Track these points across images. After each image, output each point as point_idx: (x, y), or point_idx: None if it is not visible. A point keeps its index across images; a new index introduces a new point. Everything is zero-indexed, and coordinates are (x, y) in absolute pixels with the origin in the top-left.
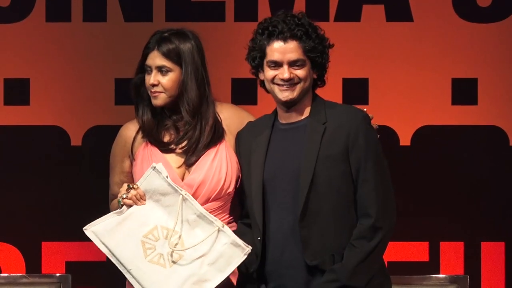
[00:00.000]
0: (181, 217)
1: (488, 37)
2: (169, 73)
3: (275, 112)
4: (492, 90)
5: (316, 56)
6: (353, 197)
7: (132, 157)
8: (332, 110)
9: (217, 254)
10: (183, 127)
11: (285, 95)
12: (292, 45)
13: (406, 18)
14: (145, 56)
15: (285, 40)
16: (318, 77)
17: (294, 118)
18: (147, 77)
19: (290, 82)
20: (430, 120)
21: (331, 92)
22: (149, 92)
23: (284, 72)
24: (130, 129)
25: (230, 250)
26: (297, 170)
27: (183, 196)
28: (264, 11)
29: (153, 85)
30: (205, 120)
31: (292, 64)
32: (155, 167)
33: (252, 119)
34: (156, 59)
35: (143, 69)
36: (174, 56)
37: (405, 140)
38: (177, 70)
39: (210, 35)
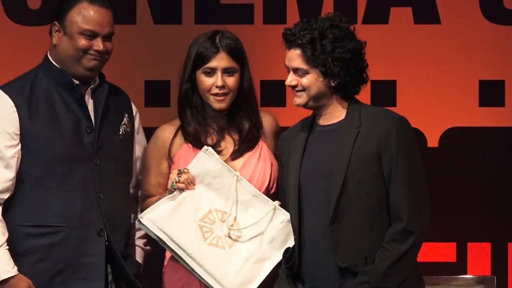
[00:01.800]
0: (236, 197)
1: None
2: (235, 74)
3: (313, 114)
4: None
5: (318, 65)
6: (385, 200)
7: (170, 159)
8: (367, 113)
9: (274, 232)
10: (227, 129)
11: (294, 100)
12: (293, 53)
13: (433, 20)
14: (205, 59)
15: (289, 47)
16: (346, 84)
17: (329, 120)
18: (207, 79)
19: (296, 89)
20: (458, 122)
21: (360, 93)
22: (207, 95)
23: (288, 78)
24: (168, 131)
25: (287, 228)
26: (330, 172)
27: (237, 176)
28: (292, 13)
29: (221, 87)
30: (251, 122)
31: (295, 71)
32: (207, 150)
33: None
34: (223, 60)
35: (193, 74)
36: (239, 57)
37: (433, 141)
38: (239, 70)
39: (239, 37)
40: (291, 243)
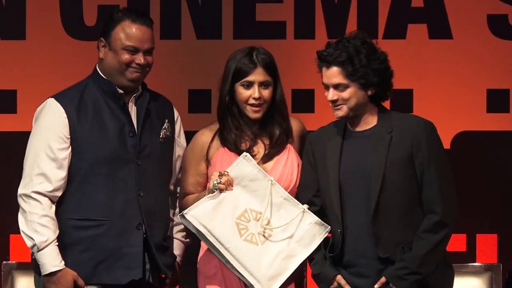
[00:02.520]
0: (270, 200)
1: None
2: (270, 86)
3: (345, 120)
4: None
5: (358, 78)
6: (418, 197)
7: (207, 161)
8: (397, 120)
9: (302, 232)
10: (259, 135)
11: (336, 113)
12: (333, 70)
13: (446, 36)
14: (243, 73)
15: (328, 66)
16: (377, 93)
17: (362, 127)
18: (245, 91)
19: (336, 103)
20: (468, 126)
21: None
22: (245, 106)
23: (330, 94)
24: (206, 136)
25: (314, 229)
26: (369, 174)
27: (271, 181)
28: (320, 29)
29: (258, 98)
30: (281, 129)
31: (335, 87)
32: (246, 156)
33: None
34: (260, 75)
35: (232, 86)
36: (273, 72)
37: (445, 144)
38: (272, 83)
39: (272, 51)
40: (317, 242)
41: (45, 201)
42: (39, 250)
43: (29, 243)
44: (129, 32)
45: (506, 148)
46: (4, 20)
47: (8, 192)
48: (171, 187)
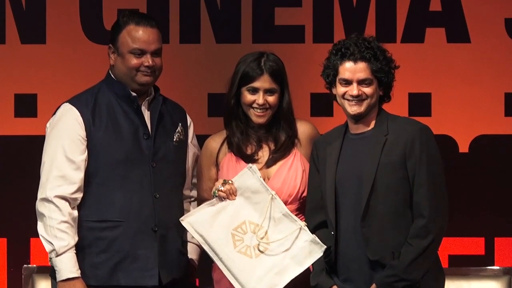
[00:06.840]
0: (269, 214)
1: None
2: (275, 93)
3: (346, 124)
4: None
5: (382, 76)
6: (410, 200)
7: (217, 167)
8: (393, 123)
9: (297, 249)
10: (265, 139)
11: (353, 109)
12: (361, 65)
13: (464, 39)
14: (250, 79)
15: (355, 61)
16: (384, 94)
17: (361, 129)
18: (250, 96)
19: (358, 98)
20: (486, 130)
21: (398, 105)
22: (250, 110)
23: (354, 89)
24: (216, 141)
25: (310, 247)
26: (361, 175)
27: (272, 195)
28: (339, 33)
29: (262, 105)
30: (287, 135)
31: (360, 82)
32: (251, 167)
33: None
34: (266, 82)
35: (238, 90)
36: (279, 79)
37: (463, 147)
38: (279, 90)
39: (291, 55)
40: (312, 260)
41: (65, 206)
42: (57, 256)
43: (48, 248)
44: (134, 35)
45: None
46: (25, 24)
47: (28, 196)
48: (187, 192)
